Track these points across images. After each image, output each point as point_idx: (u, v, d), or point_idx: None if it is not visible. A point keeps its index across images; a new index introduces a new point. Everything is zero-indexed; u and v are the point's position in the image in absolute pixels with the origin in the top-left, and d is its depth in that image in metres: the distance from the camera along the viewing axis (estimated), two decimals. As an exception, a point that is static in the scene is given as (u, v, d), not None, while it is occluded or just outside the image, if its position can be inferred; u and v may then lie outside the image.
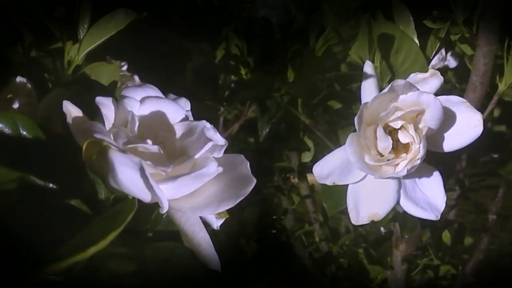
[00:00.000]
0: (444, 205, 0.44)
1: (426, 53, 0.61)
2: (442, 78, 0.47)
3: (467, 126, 0.45)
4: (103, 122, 0.35)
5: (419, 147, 0.44)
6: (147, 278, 0.33)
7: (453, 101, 0.45)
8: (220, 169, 0.34)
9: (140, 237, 0.37)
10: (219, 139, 0.36)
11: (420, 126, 0.44)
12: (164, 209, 0.32)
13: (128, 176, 0.32)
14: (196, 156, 0.35)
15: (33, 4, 0.64)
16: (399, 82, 0.44)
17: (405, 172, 0.43)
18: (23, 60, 0.65)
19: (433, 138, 0.45)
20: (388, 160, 0.45)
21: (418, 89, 0.44)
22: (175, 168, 0.34)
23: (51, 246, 0.27)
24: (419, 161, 0.43)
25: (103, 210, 0.36)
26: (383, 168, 0.45)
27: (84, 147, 0.34)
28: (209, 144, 0.35)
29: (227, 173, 0.36)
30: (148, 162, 0.33)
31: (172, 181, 0.33)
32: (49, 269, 0.26)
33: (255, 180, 0.35)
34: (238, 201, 0.35)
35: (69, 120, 0.35)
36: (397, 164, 0.45)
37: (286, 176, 1.16)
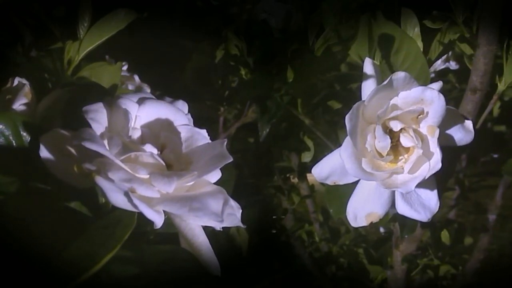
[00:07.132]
0: (437, 208, 0.44)
1: (429, 56, 0.61)
2: (441, 83, 0.47)
3: (459, 131, 0.46)
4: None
5: (423, 151, 0.43)
6: (148, 280, 0.33)
7: None
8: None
9: (141, 239, 0.37)
10: None
11: (421, 127, 0.44)
12: (157, 226, 0.32)
13: (118, 199, 0.32)
14: (205, 175, 0.35)
15: (33, 4, 0.64)
16: (399, 74, 0.44)
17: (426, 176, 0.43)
18: (23, 60, 0.65)
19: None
20: (387, 162, 0.44)
21: (418, 84, 0.44)
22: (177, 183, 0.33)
23: (50, 250, 0.27)
24: (440, 165, 0.43)
25: (103, 213, 0.36)
26: (377, 174, 0.44)
27: (75, 169, 0.34)
28: (227, 160, 0.35)
29: None
30: (147, 180, 0.32)
31: (171, 202, 0.33)
32: None
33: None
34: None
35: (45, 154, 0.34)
36: (399, 172, 0.44)
37: (286, 176, 1.16)
